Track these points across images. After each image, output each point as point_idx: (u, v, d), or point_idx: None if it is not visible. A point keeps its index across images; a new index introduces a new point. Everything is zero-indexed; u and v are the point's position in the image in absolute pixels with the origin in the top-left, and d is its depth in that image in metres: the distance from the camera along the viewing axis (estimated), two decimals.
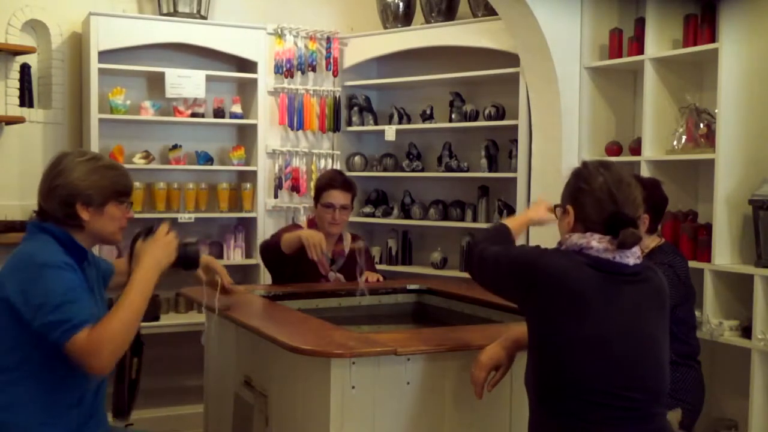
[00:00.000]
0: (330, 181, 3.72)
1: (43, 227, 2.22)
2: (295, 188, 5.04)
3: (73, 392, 2.20)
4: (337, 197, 3.66)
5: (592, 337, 1.99)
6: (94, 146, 4.51)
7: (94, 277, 2.34)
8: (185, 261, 2.38)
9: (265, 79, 4.96)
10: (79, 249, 2.24)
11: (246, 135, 5.10)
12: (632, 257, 2.06)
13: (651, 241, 3.11)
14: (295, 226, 3.87)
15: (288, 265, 3.54)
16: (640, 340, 2.03)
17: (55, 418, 2.16)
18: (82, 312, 2.04)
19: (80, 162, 2.24)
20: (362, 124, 5.24)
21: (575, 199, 2.13)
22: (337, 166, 5.10)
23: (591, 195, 2.09)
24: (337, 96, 5.15)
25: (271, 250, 3.57)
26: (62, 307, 2.03)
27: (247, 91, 5.07)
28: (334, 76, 5.14)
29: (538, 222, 2.79)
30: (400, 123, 5.10)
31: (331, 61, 5.11)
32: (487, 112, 4.72)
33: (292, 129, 5.07)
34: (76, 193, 2.21)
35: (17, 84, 4.50)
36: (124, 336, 2.06)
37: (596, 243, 2.05)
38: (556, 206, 2.25)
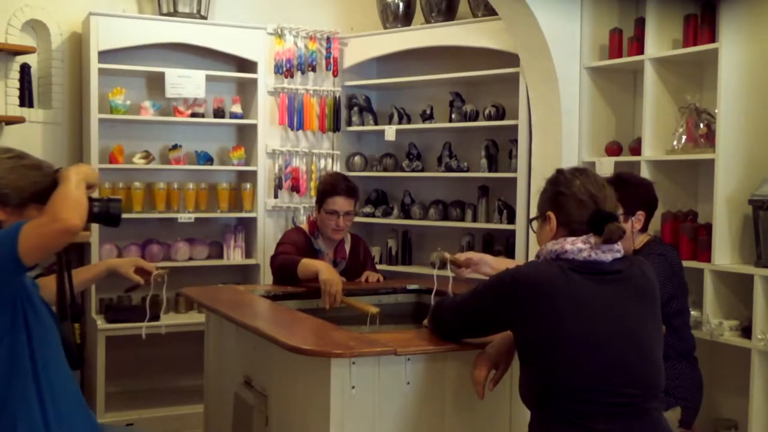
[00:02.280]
0: (334, 187, 3.65)
1: None
2: (295, 188, 5.04)
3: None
4: (341, 204, 3.62)
5: (579, 338, 2.00)
6: (94, 146, 4.52)
7: (29, 282, 2.18)
8: (107, 215, 2.25)
9: (265, 79, 4.96)
10: None
11: (246, 135, 5.10)
12: (609, 253, 2.09)
13: (643, 238, 3.12)
14: (298, 230, 3.84)
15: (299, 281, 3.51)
16: (630, 337, 2.05)
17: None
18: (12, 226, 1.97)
19: (1, 159, 2.13)
20: (362, 124, 5.24)
21: (556, 204, 2.17)
22: (337, 166, 5.11)
23: (572, 197, 2.14)
24: (337, 96, 5.15)
25: (285, 269, 3.49)
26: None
27: (247, 91, 5.07)
28: (334, 76, 5.14)
29: None
30: (400, 123, 5.10)
31: (331, 61, 5.11)
32: (487, 112, 4.72)
33: (292, 129, 5.07)
34: None
35: (17, 84, 4.51)
36: (75, 200, 1.97)
37: (570, 246, 2.08)
38: (532, 219, 2.28)
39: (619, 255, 2.11)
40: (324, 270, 3.28)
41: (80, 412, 2.22)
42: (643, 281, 2.13)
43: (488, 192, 4.83)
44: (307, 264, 3.39)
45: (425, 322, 2.61)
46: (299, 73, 5.06)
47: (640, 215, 3.02)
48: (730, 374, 3.77)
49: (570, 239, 2.10)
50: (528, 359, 2.08)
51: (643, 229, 3.10)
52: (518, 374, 2.15)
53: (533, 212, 2.34)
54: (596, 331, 2.02)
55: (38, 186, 2.13)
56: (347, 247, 3.79)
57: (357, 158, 5.25)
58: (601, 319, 2.03)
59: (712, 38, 3.64)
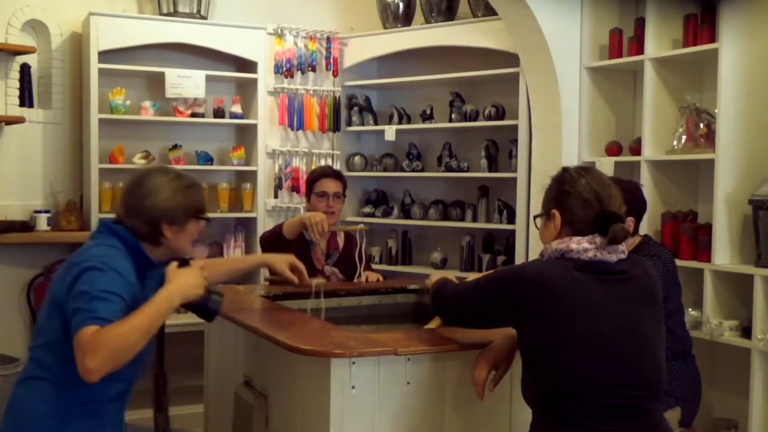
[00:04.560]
0: (321, 172, 3.82)
1: (114, 230, 2.29)
2: (295, 188, 5.05)
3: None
4: (330, 185, 3.73)
5: (583, 338, 2.00)
6: (94, 146, 4.52)
7: (154, 290, 2.25)
8: (204, 308, 2.36)
9: (265, 79, 4.96)
10: (145, 258, 2.29)
11: (246, 135, 5.11)
12: (614, 253, 2.08)
13: (634, 240, 3.13)
14: None
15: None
16: (633, 337, 2.04)
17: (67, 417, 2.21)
18: (108, 311, 2.04)
19: (165, 182, 2.32)
20: (362, 124, 5.24)
21: (561, 203, 2.16)
22: (337, 166, 5.10)
23: (577, 197, 2.13)
24: (337, 96, 5.15)
25: (273, 239, 3.58)
26: (94, 301, 2.04)
27: (247, 91, 5.07)
28: (334, 76, 5.14)
29: None
30: (400, 123, 5.10)
31: (331, 61, 5.11)
32: (487, 112, 4.72)
33: (292, 129, 5.07)
34: (161, 213, 2.29)
35: (17, 84, 4.51)
36: (126, 344, 2.02)
37: (575, 245, 2.08)
38: (536, 216, 2.27)
39: (623, 256, 2.11)
40: (305, 213, 3.58)
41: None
42: (647, 282, 2.13)
43: (488, 192, 4.83)
44: (290, 221, 3.59)
45: (429, 324, 2.60)
46: (299, 73, 5.06)
47: (630, 221, 3.01)
48: (730, 374, 3.77)
49: (576, 238, 2.09)
50: (531, 358, 2.08)
51: (633, 233, 3.10)
52: (519, 374, 2.15)
53: (533, 212, 2.35)
54: (600, 331, 2.01)
55: (197, 204, 2.42)
56: (340, 241, 3.81)
57: (357, 158, 5.25)
58: (605, 320, 2.03)
59: (712, 38, 3.64)
